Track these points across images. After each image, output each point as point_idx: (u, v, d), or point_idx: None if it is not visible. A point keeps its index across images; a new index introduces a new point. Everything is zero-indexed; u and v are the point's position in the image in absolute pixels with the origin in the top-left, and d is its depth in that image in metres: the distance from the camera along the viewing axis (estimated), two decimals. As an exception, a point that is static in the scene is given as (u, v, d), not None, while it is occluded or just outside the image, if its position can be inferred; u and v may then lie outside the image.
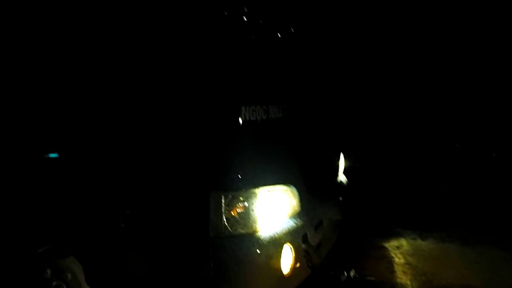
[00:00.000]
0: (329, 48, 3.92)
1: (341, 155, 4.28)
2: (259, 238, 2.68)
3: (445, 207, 6.06)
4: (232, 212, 2.62)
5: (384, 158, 7.57)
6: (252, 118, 2.72)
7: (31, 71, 3.06)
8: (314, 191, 3.27)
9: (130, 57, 2.75)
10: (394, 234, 5.13)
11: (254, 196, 2.68)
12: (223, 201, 2.59)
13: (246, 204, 2.65)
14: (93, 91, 2.87)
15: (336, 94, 4.18)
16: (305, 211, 3.07)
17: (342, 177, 4.21)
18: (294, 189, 2.99)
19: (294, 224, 2.93)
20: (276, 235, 2.77)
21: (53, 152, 2.98)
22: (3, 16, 3.11)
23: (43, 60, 3.02)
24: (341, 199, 3.82)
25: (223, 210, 2.59)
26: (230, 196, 2.60)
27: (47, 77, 3.00)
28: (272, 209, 2.79)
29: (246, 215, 2.65)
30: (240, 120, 2.66)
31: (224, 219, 2.60)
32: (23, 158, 3.07)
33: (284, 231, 2.83)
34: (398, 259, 4.46)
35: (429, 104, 8.35)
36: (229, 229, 2.61)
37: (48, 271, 3.04)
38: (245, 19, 2.61)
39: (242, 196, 2.64)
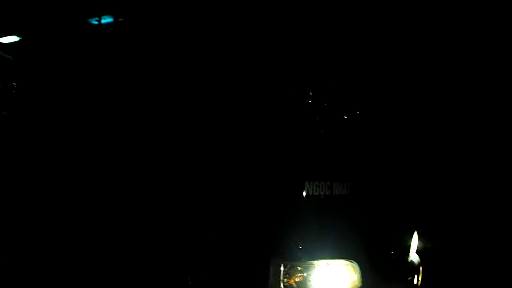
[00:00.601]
0: (399, 123, 4.03)
1: (415, 234, 4.24)
2: (315, 309, 2.79)
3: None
4: (290, 281, 2.77)
5: (467, 240, 7.17)
6: (315, 193, 2.91)
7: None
8: (378, 269, 3.31)
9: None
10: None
11: (313, 267, 2.81)
12: (282, 269, 2.76)
13: (304, 274, 2.80)
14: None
15: (410, 172, 4.22)
16: (366, 288, 3.12)
17: (414, 257, 4.15)
18: (355, 265, 3.06)
19: (352, 299, 2.99)
20: (333, 308, 2.86)
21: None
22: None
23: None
24: (410, 279, 3.78)
25: (281, 278, 2.76)
26: (289, 265, 2.77)
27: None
28: (331, 282, 2.89)
29: (303, 285, 2.79)
30: (304, 194, 2.86)
31: (282, 287, 2.76)
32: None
33: (341, 305, 2.91)
34: None
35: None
36: (286, 297, 2.76)
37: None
38: (311, 102, 2.88)
39: (300, 267, 2.79)
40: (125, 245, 3.29)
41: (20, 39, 4.85)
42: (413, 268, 3.99)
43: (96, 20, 4.11)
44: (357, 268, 3.07)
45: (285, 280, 2.76)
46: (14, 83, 4.85)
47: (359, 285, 3.07)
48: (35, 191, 3.98)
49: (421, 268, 4.13)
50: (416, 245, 4.27)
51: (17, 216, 4.05)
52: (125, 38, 3.84)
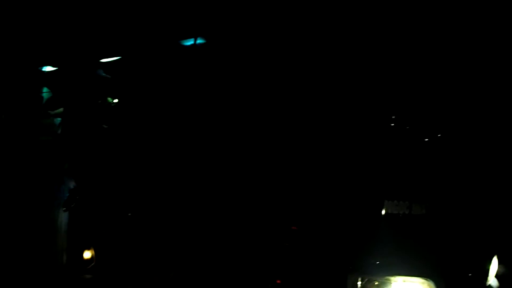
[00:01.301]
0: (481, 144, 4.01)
1: (495, 258, 4.16)
2: (392, 323, 2.90)
3: None
4: (367, 294, 2.91)
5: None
6: (394, 212, 3.03)
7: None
8: (454, 289, 3.34)
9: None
10: None
11: (389, 283, 2.92)
12: (359, 283, 2.90)
13: (380, 289, 2.92)
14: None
15: (492, 194, 4.17)
16: (441, 307, 3.16)
17: (493, 282, 4.08)
18: (431, 283, 3.11)
19: (427, 317, 3.05)
20: (408, 324, 2.95)
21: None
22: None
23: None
24: (486, 304, 3.75)
25: (358, 291, 2.90)
26: (366, 280, 2.91)
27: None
28: (407, 299, 2.98)
29: (380, 299, 2.91)
30: (383, 212, 3.00)
31: (359, 299, 2.90)
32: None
33: (415, 322, 2.99)
34: None
35: None
36: (363, 309, 2.90)
37: None
38: (393, 124, 3.02)
39: (377, 281, 2.91)
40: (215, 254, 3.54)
41: (117, 59, 5.31)
42: (491, 292, 3.94)
43: (189, 42, 4.47)
44: (433, 286, 3.13)
45: (362, 293, 2.89)
46: (112, 99, 5.32)
47: (434, 304, 3.13)
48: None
49: (499, 293, 4.06)
50: (496, 270, 4.19)
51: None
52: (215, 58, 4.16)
